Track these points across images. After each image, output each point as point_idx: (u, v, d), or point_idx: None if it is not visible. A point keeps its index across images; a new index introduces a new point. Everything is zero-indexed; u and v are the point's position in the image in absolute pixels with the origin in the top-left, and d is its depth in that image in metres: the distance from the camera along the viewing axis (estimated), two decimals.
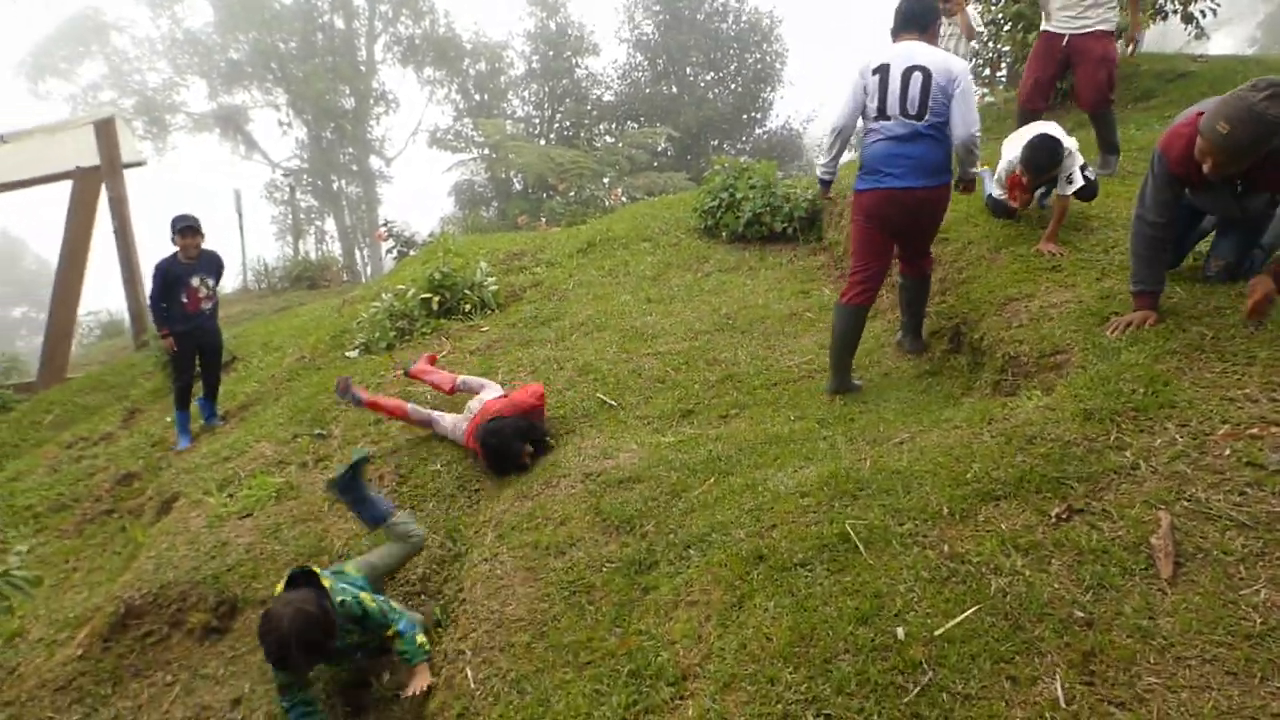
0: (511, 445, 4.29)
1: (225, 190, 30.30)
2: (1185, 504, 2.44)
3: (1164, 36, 21.54)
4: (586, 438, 4.47)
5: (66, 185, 10.48)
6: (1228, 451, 2.58)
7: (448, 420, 4.71)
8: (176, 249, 6.19)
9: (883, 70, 4.07)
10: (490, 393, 4.71)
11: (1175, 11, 9.30)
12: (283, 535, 4.22)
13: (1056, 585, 2.29)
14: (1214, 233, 3.87)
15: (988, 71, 11.52)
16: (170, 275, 6.17)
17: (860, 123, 4.27)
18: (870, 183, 4.20)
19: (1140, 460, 2.67)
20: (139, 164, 11.48)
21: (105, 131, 10.14)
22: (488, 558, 3.52)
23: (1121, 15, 8.82)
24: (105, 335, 15.51)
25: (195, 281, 6.25)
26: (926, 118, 4.04)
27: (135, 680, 3.41)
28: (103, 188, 10.28)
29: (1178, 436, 2.72)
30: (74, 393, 9.23)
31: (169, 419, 7.02)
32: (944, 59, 4.10)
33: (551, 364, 5.51)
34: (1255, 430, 2.62)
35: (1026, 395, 3.43)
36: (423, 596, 3.78)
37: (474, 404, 4.63)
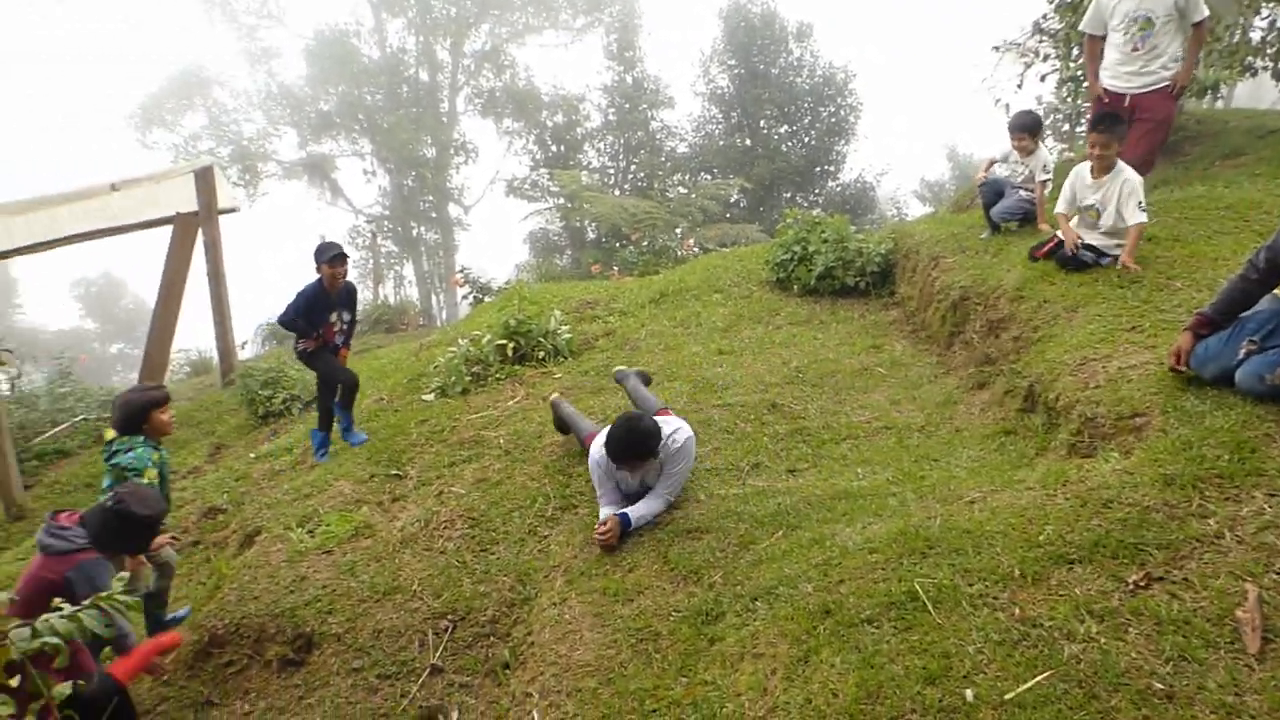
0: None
1: (309, 234, 31.55)
2: (1275, 576, 2.36)
3: (1257, 90, 21.00)
4: None
5: (166, 229, 11.07)
6: None
7: None
8: (321, 277, 5.93)
9: None
10: None
11: (1266, 68, 9.04)
12: (358, 573, 4.34)
13: (1134, 655, 2.24)
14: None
15: (1066, 127, 11.43)
16: (316, 304, 5.95)
17: None
18: None
19: (1225, 529, 2.60)
20: (233, 210, 12.12)
21: (204, 179, 10.73)
22: (556, 602, 3.57)
23: (1204, 70, 8.67)
24: (194, 372, 16.11)
25: (333, 317, 6.10)
26: None
27: (215, 709, 3.53)
28: (199, 232, 10.84)
29: (1266, 506, 2.64)
30: None
31: (253, 455, 7.29)
32: None
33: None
34: None
35: (1103, 458, 3.36)
36: (492, 639, 3.83)
37: None
